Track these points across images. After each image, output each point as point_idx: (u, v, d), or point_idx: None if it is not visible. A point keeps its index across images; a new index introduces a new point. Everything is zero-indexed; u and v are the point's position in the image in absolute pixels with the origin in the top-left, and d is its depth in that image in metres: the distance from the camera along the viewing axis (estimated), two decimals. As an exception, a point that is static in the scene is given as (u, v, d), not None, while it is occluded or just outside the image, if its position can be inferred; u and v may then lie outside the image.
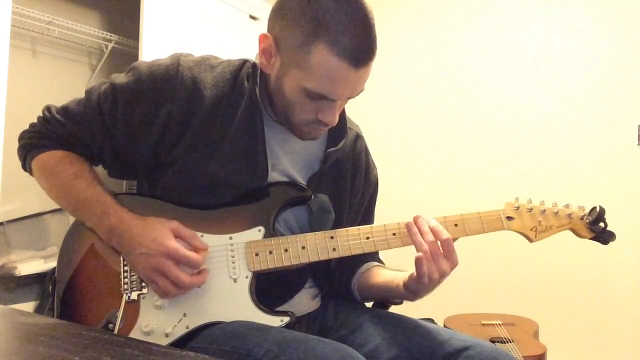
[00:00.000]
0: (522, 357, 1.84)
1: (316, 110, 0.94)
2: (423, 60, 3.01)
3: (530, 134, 2.71)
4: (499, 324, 2.15)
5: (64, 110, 1.03)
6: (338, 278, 1.12)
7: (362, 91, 0.95)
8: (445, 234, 0.93)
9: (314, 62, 0.87)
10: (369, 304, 1.17)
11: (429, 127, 2.98)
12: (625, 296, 2.45)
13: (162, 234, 0.90)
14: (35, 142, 1.04)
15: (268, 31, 0.94)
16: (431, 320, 1.10)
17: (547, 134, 2.67)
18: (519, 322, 2.21)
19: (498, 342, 1.96)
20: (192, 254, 0.89)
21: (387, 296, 1.10)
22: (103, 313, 0.91)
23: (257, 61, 1.00)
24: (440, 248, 0.93)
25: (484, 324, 2.17)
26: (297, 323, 1.03)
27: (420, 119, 3.01)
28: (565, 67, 2.64)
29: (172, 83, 0.96)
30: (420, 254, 0.92)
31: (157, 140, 0.98)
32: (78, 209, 0.97)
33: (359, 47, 0.87)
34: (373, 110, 3.10)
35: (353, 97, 0.96)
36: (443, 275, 0.92)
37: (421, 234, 0.94)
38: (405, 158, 3.02)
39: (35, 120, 1.06)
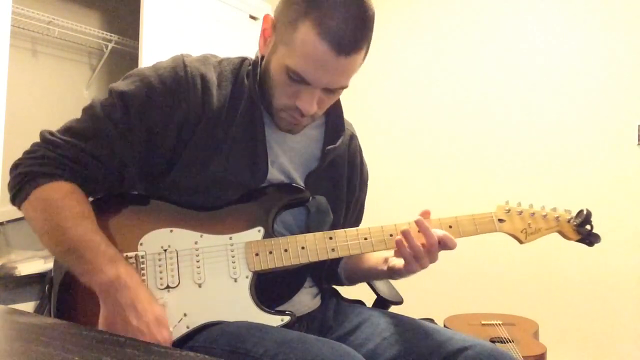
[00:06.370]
0: (522, 357, 1.84)
1: (295, 96, 0.93)
2: (418, 62, 3.01)
3: (530, 134, 2.71)
4: (499, 324, 2.15)
5: (68, 130, 0.95)
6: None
7: (344, 87, 0.95)
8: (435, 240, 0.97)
9: (297, 39, 0.87)
10: (369, 304, 1.17)
11: (428, 131, 2.98)
12: (625, 296, 2.45)
13: (164, 320, 0.86)
14: (39, 170, 0.92)
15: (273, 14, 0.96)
16: (431, 320, 1.11)
17: (547, 134, 2.67)
18: (519, 322, 2.21)
19: (498, 342, 1.96)
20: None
21: (374, 278, 1.22)
22: (99, 313, 0.88)
23: (257, 55, 1.01)
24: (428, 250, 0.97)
25: (484, 324, 2.17)
26: (297, 322, 1.03)
27: (418, 123, 3.01)
28: (565, 67, 2.64)
29: (184, 84, 0.95)
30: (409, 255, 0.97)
31: (177, 139, 0.96)
32: (77, 249, 0.87)
33: (344, 34, 0.86)
34: (372, 113, 3.11)
35: (333, 90, 0.94)
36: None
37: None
38: (404, 162, 3.03)
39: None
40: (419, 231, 0.96)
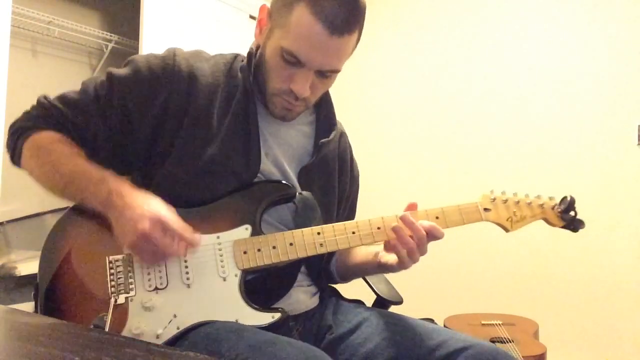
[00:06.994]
0: (522, 357, 1.84)
1: (289, 79, 0.96)
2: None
3: (529, 134, 2.71)
4: (499, 324, 2.15)
5: (61, 97, 1.03)
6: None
7: (336, 70, 0.97)
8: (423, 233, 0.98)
9: (292, 19, 0.91)
10: (369, 304, 1.17)
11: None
12: (625, 296, 2.45)
13: (159, 204, 0.89)
14: (30, 124, 1.01)
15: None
16: (431, 320, 1.11)
17: (547, 134, 2.67)
18: (519, 322, 2.21)
19: (498, 342, 1.96)
20: (183, 226, 0.88)
21: (365, 274, 1.22)
22: (89, 317, 0.88)
23: (252, 47, 1.04)
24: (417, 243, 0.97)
25: (484, 324, 2.17)
26: (295, 321, 1.04)
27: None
28: (564, 66, 2.64)
29: (169, 71, 0.99)
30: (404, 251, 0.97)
31: (155, 127, 0.99)
32: (72, 181, 0.93)
33: (337, 14, 0.90)
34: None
35: (326, 74, 0.97)
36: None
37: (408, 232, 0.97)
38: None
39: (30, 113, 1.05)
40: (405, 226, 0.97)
